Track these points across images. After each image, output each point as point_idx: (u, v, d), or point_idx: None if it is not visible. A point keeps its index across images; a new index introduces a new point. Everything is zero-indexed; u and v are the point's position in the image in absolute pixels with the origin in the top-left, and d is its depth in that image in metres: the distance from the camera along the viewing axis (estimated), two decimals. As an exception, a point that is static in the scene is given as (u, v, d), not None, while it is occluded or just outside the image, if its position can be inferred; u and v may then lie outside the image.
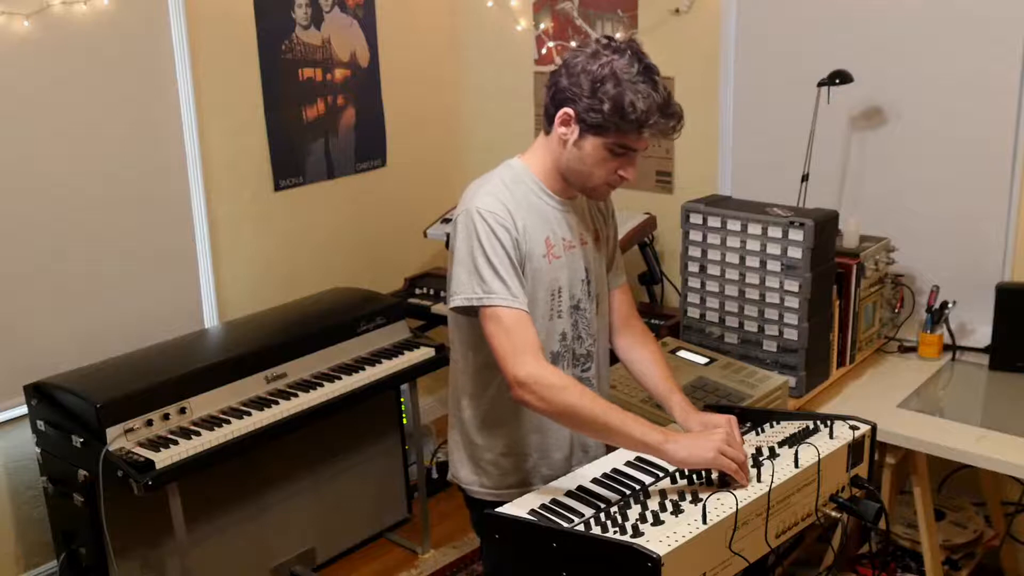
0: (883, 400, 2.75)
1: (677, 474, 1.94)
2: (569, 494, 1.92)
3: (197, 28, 3.30)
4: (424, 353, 3.37)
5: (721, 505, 1.79)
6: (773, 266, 2.67)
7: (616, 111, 1.88)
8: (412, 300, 3.81)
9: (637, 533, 1.70)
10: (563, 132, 1.97)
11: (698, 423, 2.04)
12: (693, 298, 2.87)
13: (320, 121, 3.76)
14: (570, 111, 1.94)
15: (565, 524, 1.80)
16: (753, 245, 2.69)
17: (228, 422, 2.83)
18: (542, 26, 3.90)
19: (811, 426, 2.09)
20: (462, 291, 1.96)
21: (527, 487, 2.09)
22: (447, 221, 3.74)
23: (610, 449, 2.04)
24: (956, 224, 3.07)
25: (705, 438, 1.88)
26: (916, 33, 3.04)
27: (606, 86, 1.88)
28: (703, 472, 1.91)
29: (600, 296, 2.17)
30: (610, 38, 1.97)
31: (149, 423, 2.74)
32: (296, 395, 3.01)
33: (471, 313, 1.99)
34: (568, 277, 2.07)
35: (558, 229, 2.06)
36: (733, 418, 2.04)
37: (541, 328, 2.03)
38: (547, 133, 2.03)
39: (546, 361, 1.94)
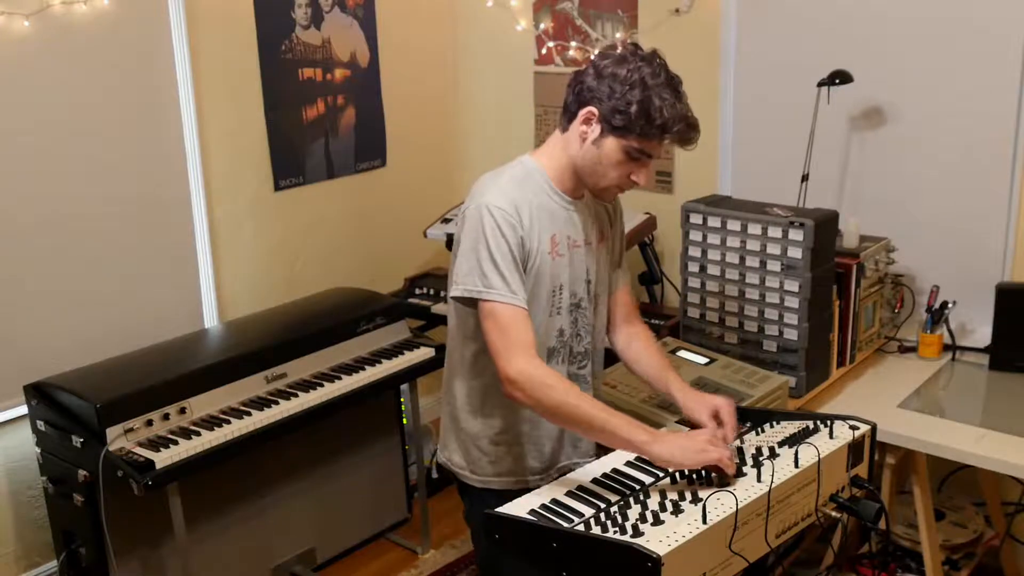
0: (883, 400, 2.75)
1: (677, 474, 1.94)
2: (569, 494, 1.92)
3: (197, 28, 3.30)
4: (424, 353, 3.36)
5: (721, 505, 1.79)
6: (773, 266, 2.67)
7: (642, 114, 1.94)
8: (412, 300, 3.81)
9: (637, 533, 1.71)
10: (584, 130, 2.01)
11: (696, 400, 2.10)
12: (693, 298, 2.87)
13: (320, 121, 3.75)
14: (594, 110, 1.98)
15: (565, 524, 1.80)
16: (753, 245, 2.69)
17: (228, 422, 2.83)
18: (542, 26, 3.90)
19: (811, 426, 2.09)
20: (463, 282, 2.00)
21: (515, 476, 2.16)
22: (447, 221, 3.73)
23: (601, 444, 2.06)
24: (956, 224, 3.07)
25: (690, 439, 1.92)
26: (916, 33, 3.04)
27: (634, 90, 1.94)
28: (703, 471, 1.92)
29: (600, 296, 2.21)
30: (637, 45, 2.04)
31: (149, 423, 2.74)
32: (296, 395, 3.01)
33: (471, 304, 2.03)
34: (570, 275, 2.11)
35: (564, 228, 2.09)
36: (731, 402, 2.09)
37: (540, 323, 2.07)
38: (564, 131, 2.06)
39: (539, 359, 1.98)
